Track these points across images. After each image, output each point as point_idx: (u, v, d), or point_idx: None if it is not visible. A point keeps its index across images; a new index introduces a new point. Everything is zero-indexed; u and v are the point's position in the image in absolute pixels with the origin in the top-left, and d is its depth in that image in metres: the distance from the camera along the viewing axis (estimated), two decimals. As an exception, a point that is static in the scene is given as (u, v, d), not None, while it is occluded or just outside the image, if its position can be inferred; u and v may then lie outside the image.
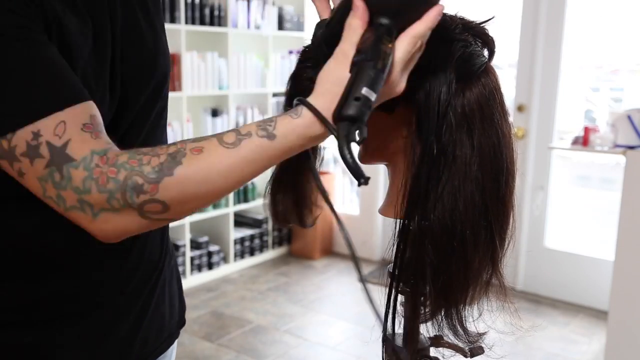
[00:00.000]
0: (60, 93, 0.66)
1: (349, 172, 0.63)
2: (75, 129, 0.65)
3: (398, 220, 0.78)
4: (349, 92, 0.63)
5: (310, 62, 0.76)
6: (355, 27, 0.66)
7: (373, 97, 0.63)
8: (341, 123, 0.63)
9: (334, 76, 0.66)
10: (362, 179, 0.62)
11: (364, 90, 0.62)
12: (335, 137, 0.64)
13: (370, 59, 0.63)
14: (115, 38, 0.78)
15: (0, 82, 0.64)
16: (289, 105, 0.75)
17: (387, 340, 0.85)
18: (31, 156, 0.64)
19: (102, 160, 0.65)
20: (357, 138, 0.63)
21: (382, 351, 0.86)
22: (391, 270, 0.83)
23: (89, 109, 0.68)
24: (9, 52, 0.63)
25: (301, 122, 0.66)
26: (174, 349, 1.02)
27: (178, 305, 1.03)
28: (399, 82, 0.68)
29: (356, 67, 0.64)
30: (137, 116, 0.85)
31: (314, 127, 0.66)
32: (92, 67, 0.74)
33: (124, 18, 0.80)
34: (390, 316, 0.82)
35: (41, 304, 0.79)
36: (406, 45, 0.66)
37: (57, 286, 0.79)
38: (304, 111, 0.66)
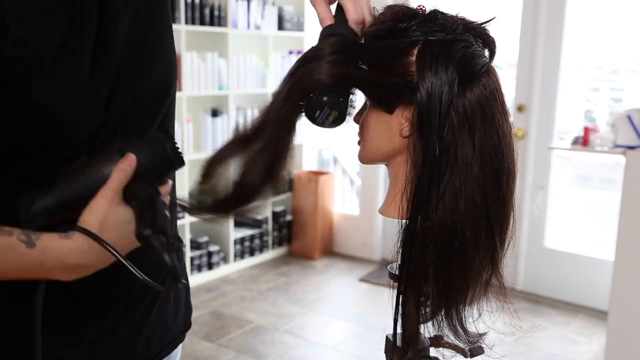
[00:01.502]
0: None
1: (172, 274, 0.75)
2: None
3: (400, 221, 0.78)
4: (147, 215, 0.71)
5: None
6: (126, 171, 0.72)
7: (168, 216, 0.74)
8: (150, 238, 0.70)
9: (105, 212, 0.69)
10: (175, 284, 0.76)
11: (160, 220, 0.72)
12: (118, 256, 0.69)
13: (155, 200, 0.74)
14: (109, 39, 0.75)
15: None
16: None
17: (388, 340, 0.85)
18: None
19: None
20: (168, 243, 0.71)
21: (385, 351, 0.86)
22: (392, 271, 0.83)
23: None
24: None
25: (66, 244, 0.66)
26: (178, 352, 1.02)
27: (184, 309, 1.02)
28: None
29: (143, 202, 0.73)
30: (126, 120, 0.81)
31: (76, 254, 0.67)
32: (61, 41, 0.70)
33: (126, 19, 0.78)
34: (389, 316, 0.82)
35: (45, 306, 0.79)
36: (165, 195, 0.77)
37: (59, 289, 0.79)
38: (76, 236, 0.67)
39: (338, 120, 0.78)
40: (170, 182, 0.80)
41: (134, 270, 0.68)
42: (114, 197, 0.70)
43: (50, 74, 0.69)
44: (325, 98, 0.75)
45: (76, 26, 0.71)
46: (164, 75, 0.86)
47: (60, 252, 0.66)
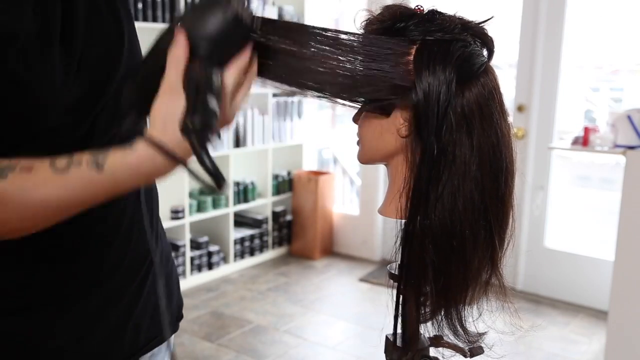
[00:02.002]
0: None
1: (210, 179, 0.64)
2: None
3: (399, 221, 0.78)
4: (192, 107, 0.64)
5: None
6: (178, 58, 0.65)
7: (216, 106, 0.64)
8: (192, 136, 0.63)
9: (165, 108, 0.66)
10: (223, 185, 0.64)
11: (207, 101, 0.63)
12: (179, 164, 0.64)
13: (203, 81, 0.64)
14: (73, 19, 0.75)
15: None
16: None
17: (388, 340, 0.85)
18: None
19: None
20: (210, 145, 0.64)
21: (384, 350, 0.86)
22: (392, 271, 0.83)
23: None
24: None
25: (135, 157, 0.65)
26: (170, 344, 1.03)
27: (176, 299, 1.03)
28: (230, 112, 0.68)
29: (191, 88, 0.64)
30: (109, 105, 0.82)
31: (148, 162, 0.65)
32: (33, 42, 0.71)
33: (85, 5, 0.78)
34: (389, 316, 0.82)
35: (27, 292, 0.79)
36: (231, 77, 0.67)
37: (42, 274, 0.79)
38: (140, 145, 0.65)
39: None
40: (245, 52, 0.68)
41: (193, 175, 0.64)
42: (172, 91, 0.66)
43: (23, 49, 0.69)
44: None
45: (41, 6, 0.71)
46: (138, 52, 0.87)
47: (131, 167, 0.65)
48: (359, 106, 0.80)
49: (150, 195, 0.95)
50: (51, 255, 0.80)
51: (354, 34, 0.75)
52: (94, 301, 0.86)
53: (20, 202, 0.63)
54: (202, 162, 0.63)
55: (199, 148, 0.63)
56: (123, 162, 0.65)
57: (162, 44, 0.67)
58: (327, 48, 0.73)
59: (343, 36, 0.74)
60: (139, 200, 0.90)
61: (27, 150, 0.70)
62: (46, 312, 0.81)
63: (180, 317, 1.06)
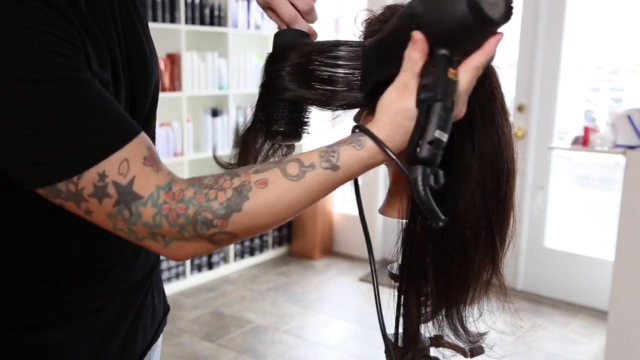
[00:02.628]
0: (117, 130, 0.67)
1: (428, 215, 0.63)
2: (138, 165, 0.67)
3: (400, 221, 0.78)
4: (423, 135, 0.62)
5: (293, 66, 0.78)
6: (415, 59, 0.64)
7: (445, 138, 0.62)
8: (416, 166, 0.62)
9: (397, 107, 0.66)
10: (441, 222, 0.62)
11: (437, 133, 0.62)
12: (410, 180, 0.63)
13: (440, 99, 0.62)
14: (118, 42, 0.79)
15: (60, 125, 0.64)
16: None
17: (388, 340, 0.85)
18: (99, 196, 0.66)
19: (168, 196, 0.67)
20: (432, 182, 0.62)
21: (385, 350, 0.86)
22: (392, 271, 0.83)
23: (144, 141, 0.69)
24: (64, 94, 0.64)
25: (365, 154, 0.68)
26: (160, 338, 1.05)
27: (162, 293, 1.05)
28: (461, 111, 0.68)
29: (425, 106, 0.62)
30: (146, 120, 0.86)
31: (377, 157, 0.68)
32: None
33: (123, 18, 0.81)
34: (389, 316, 0.82)
35: (54, 307, 0.80)
36: (468, 77, 0.65)
37: (71, 291, 0.80)
38: (368, 142, 0.67)
39: (293, 138, 0.81)
40: (486, 48, 0.64)
41: (405, 170, 0.64)
42: (403, 91, 0.66)
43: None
44: (279, 128, 0.79)
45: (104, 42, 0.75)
46: (157, 72, 0.91)
47: (363, 163, 0.68)
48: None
49: None
50: (82, 275, 0.81)
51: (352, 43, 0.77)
52: (113, 309, 0.87)
53: (269, 214, 0.68)
54: (421, 199, 0.62)
55: (418, 183, 0.62)
56: (356, 159, 0.68)
57: (404, 30, 0.64)
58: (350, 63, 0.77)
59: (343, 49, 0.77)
60: None
61: None
62: (70, 326, 0.82)
63: (168, 309, 1.07)
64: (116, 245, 0.82)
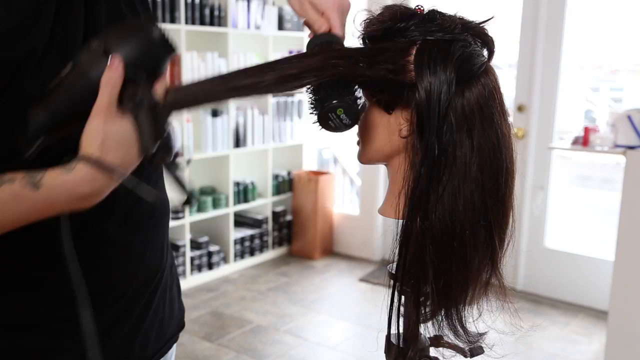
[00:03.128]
0: None
1: (180, 190, 0.68)
2: None
3: (399, 221, 0.78)
4: (143, 137, 0.67)
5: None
6: (114, 81, 0.66)
7: (166, 129, 0.68)
8: (157, 158, 0.68)
9: (103, 132, 0.65)
10: (193, 199, 0.68)
11: (155, 130, 0.67)
12: (119, 181, 0.66)
13: (144, 104, 0.67)
14: (94, 33, 0.75)
15: None
16: None
17: (388, 340, 0.85)
18: None
19: None
20: (175, 165, 0.68)
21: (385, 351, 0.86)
22: (392, 271, 0.83)
23: None
24: None
25: (71, 178, 0.64)
26: (173, 352, 1.03)
27: (177, 308, 1.03)
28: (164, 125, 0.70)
29: (135, 115, 0.67)
30: None
31: (86, 183, 0.64)
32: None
33: (108, 14, 0.79)
34: (393, 316, 0.82)
35: (39, 309, 0.79)
36: (161, 92, 0.70)
37: (55, 292, 0.79)
38: (79, 166, 0.64)
39: (352, 123, 0.78)
40: (166, 73, 0.73)
41: (172, 179, 0.68)
42: (108, 114, 0.66)
43: (39, 67, 0.69)
44: (335, 102, 0.75)
45: (62, 20, 0.71)
46: None
47: (67, 187, 0.64)
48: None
49: (162, 204, 0.95)
50: (63, 276, 0.80)
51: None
52: (105, 318, 0.85)
53: None
54: (177, 180, 0.66)
55: (172, 168, 0.67)
56: (60, 181, 0.64)
57: (84, 68, 0.67)
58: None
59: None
60: (151, 219, 0.90)
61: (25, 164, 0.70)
62: (56, 329, 0.81)
63: (182, 327, 1.05)
64: (96, 246, 0.80)
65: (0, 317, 0.78)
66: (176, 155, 0.69)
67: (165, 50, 0.70)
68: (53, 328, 0.81)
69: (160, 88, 0.70)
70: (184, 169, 0.67)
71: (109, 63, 0.66)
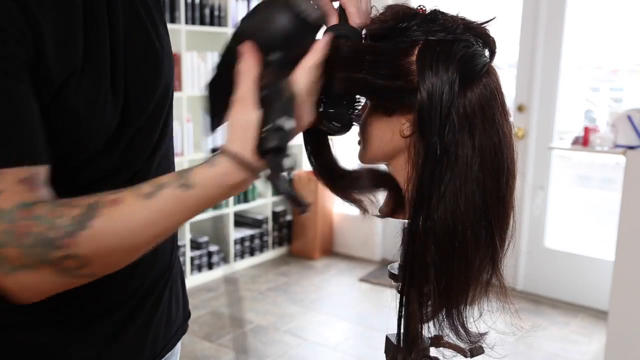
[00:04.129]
0: (15, 150, 0.63)
1: (290, 203, 0.65)
2: (11, 181, 0.62)
3: (400, 221, 0.78)
4: (265, 125, 0.64)
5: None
6: (246, 70, 0.67)
7: (291, 124, 0.64)
8: (267, 157, 0.64)
9: (240, 121, 0.66)
10: (304, 207, 0.65)
11: (280, 120, 0.64)
12: (259, 176, 0.65)
13: (275, 92, 0.65)
14: (116, 42, 0.77)
15: None
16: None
17: (388, 340, 0.85)
18: None
19: (24, 212, 0.61)
20: (286, 167, 0.64)
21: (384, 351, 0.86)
22: (392, 271, 0.83)
23: (33, 169, 0.65)
24: None
25: (219, 171, 0.66)
26: (179, 345, 1.03)
27: (182, 300, 1.04)
28: (305, 114, 0.69)
29: (264, 102, 0.65)
30: (145, 124, 0.84)
31: (232, 174, 0.66)
32: (86, 80, 0.73)
33: (127, 20, 0.79)
34: (390, 316, 0.82)
35: (55, 306, 0.79)
36: (304, 77, 0.68)
37: (69, 292, 0.80)
38: (221, 159, 0.66)
39: (345, 128, 0.78)
40: (315, 50, 0.68)
41: (276, 185, 0.65)
42: (245, 104, 0.67)
43: (79, 81, 0.70)
44: (331, 110, 0.75)
45: (92, 30, 0.73)
46: (168, 72, 0.88)
47: (219, 181, 0.66)
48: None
49: None
50: None
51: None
52: (118, 314, 0.86)
53: (118, 234, 0.64)
54: (277, 188, 0.64)
55: (274, 174, 0.64)
56: (209, 177, 0.66)
57: (232, 50, 0.67)
58: None
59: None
60: None
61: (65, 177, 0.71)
62: (69, 328, 0.81)
63: (187, 316, 1.06)
64: None
65: (13, 314, 0.78)
66: (285, 161, 0.66)
67: (307, 29, 0.66)
68: (68, 327, 0.81)
69: (302, 73, 0.68)
70: (289, 175, 0.66)
71: (242, 49, 0.66)
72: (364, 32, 0.79)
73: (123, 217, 0.64)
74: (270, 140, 0.64)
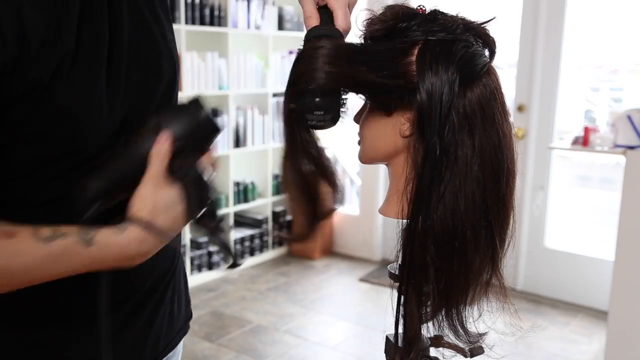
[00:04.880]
0: None
1: (225, 254, 0.78)
2: None
3: (401, 221, 0.78)
4: (195, 198, 0.74)
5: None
6: (164, 152, 0.72)
7: (212, 197, 0.77)
8: (204, 222, 0.76)
9: (153, 198, 0.70)
10: (237, 263, 0.77)
11: (200, 200, 0.76)
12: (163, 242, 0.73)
13: (192, 175, 0.75)
14: (117, 42, 0.76)
15: None
16: None
17: (388, 340, 0.85)
18: None
19: None
20: (218, 227, 0.76)
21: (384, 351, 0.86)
22: (392, 271, 0.83)
23: None
24: None
25: (123, 239, 0.68)
26: (181, 344, 1.03)
27: (185, 300, 1.04)
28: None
29: (183, 186, 0.73)
30: (145, 118, 0.84)
31: (135, 244, 0.69)
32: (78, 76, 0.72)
33: (131, 20, 0.78)
34: (390, 316, 0.82)
35: (55, 304, 0.80)
36: (204, 165, 0.76)
37: (70, 288, 0.80)
38: (130, 228, 0.69)
39: (331, 122, 0.78)
40: (213, 148, 0.80)
41: (217, 243, 0.76)
42: (159, 182, 0.71)
43: (69, 76, 0.70)
44: (317, 100, 0.75)
45: (88, 27, 0.72)
46: (171, 73, 0.87)
47: (119, 247, 0.68)
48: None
49: None
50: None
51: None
52: (120, 314, 0.86)
53: (3, 269, 0.64)
54: (221, 244, 0.74)
55: (216, 232, 0.75)
56: (112, 241, 0.68)
57: (141, 142, 0.74)
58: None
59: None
60: None
61: (63, 175, 0.72)
62: (71, 326, 0.81)
63: (189, 317, 1.06)
64: None
65: (12, 313, 0.78)
66: (220, 220, 0.76)
67: (211, 128, 0.77)
68: (70, 325, 0.81)
69: (206, 160, 0.76)
70: (227, 233, 0.75)
71: (159, 137, 0.73)
72: (362, 34, 0.79)
73: (11, 252, 0.65)
74: (202, 209, 0.75)
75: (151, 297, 0.91)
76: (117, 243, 0.68)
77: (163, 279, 0.93)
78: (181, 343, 1.03)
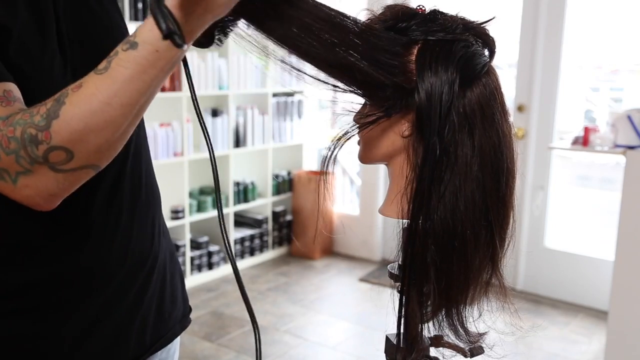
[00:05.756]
0: None
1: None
2: None
3: (401, 221, 0.78)
4: None
5: None
6: None
7: None
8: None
9: None
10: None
11: None
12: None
13: None
14: (58, 17, 0.79)
15: None
16: None
17: (388, 340, 0.85)
18: None
19: (2, 124, 0.65)
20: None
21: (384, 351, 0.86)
22: (393, 271, 0.83)
23: (4, 86, 0.68)
24: None
25: (151, 23, 0.65)
26: (177, 343, 1.03)
27: (180, 296, 1.04)
28: None
29: None
30: None
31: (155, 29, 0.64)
32: (32, 45, 0.74)
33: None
34: (390, 316, 0.82)
35: (27, 292, 0.79)
36: None
37: (40, 273, 0.80)
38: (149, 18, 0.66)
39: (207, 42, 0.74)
40: None
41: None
42: None
43: (23, 44, 0.72)
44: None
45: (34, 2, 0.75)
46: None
47: (157, 33, 0.63)
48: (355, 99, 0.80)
49: (151, 189, 0.95)
50: (54, 257, 0.81)
51: (357, 20, 0.74)
52: (98, 301, 0.86)
53: (87, 114, 0.65)
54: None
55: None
56: (149, 28, 0.65)
57: None
58: (326, 22, 0.71)
59: (344, 19, 0.73)
60: (136, 196, 0.90)
61: None
62: (51, 314, 0.81)
63: (187, 312, 1.06)
64: (82, 224, 0.81)
65: None
66: None
67: None
68: (50, 313, 0.81)
69: None
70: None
71: None
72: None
73: (87, 97, 0.65)
74: None
75: (130, 286, 0.90)
76: (154, 28, 0.63)
77: (141, 269, 0.92)
78: (177, 340, 1.03)
